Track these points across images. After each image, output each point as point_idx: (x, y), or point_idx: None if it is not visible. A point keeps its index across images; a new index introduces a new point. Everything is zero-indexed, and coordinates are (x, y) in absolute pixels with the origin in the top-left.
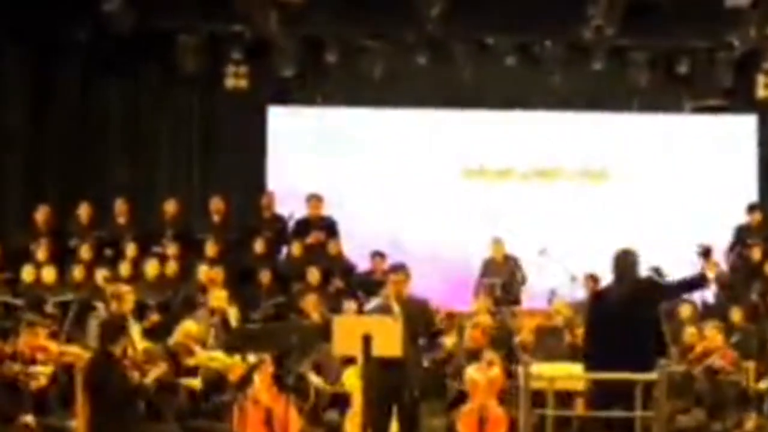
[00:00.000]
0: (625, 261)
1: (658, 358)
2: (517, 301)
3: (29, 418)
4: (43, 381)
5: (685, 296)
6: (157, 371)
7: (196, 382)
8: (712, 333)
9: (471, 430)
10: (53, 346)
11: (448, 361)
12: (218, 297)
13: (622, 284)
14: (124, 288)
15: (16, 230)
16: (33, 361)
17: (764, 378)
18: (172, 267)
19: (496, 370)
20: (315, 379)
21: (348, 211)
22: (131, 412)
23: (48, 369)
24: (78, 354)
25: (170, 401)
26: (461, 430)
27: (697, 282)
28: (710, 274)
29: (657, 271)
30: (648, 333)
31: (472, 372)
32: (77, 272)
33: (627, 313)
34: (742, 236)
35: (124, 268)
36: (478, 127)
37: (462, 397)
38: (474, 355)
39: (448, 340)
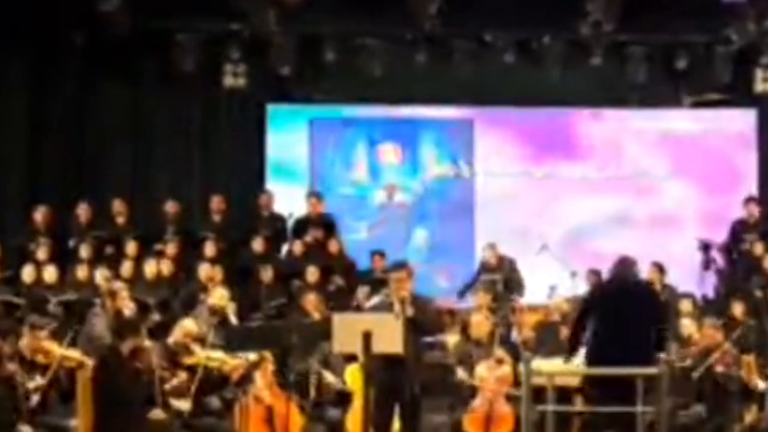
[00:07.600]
0: (623, 264)
1: (657, 353)
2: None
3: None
4: (43, 383)
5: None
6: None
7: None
8: (712, 332)
9: (478, 428)
10: (54, 348)
11: (462, 359)
12: (219, 296)
13: (623, 279)
14: (119, 285)
15: (16, 230)
16: (33, 363)
17: (765, 372)
18: (172, 266)
19: (506, 368)
20: (330, 378)
21: None
22: (137, 410)
23: (47, 375)
24: (80, 360)
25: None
26: (468, 428)
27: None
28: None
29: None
30: (649, 326)
31: (481, 369)
32: (79, 272)
33: (629, 306)
34: (738, 231)
35: (125, 268)
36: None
37: (471, 393)
38: (481, 345)
39: (450, 338)
